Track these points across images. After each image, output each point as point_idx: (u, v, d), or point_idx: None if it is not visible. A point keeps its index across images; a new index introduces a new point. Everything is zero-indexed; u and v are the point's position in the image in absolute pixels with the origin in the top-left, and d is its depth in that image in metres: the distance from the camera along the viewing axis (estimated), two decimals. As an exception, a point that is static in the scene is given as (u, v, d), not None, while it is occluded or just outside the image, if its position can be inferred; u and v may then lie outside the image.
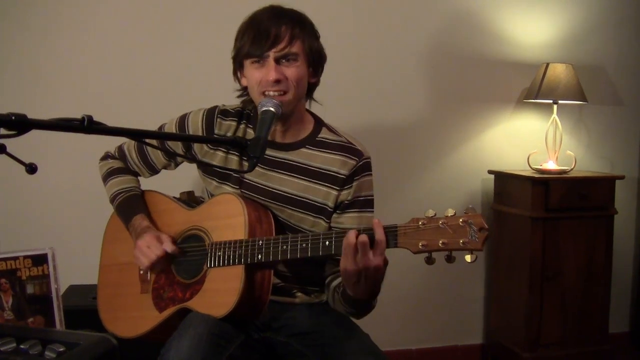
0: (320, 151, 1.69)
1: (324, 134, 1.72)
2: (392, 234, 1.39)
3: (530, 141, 3.08)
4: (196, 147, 1.76)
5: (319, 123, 1.75)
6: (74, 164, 2.57)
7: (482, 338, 3.20)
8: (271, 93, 1.59)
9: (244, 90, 1.74)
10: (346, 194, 1.67)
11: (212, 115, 1.73)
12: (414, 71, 2.97)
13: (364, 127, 2.83)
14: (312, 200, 1.67)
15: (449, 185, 3.04)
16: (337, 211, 1.68)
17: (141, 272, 1.75)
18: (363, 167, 1.69)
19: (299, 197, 1.68)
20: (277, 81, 1.58)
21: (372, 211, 1.72)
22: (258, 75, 1.60)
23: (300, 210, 1.68)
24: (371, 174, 1.72)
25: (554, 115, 2.95)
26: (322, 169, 1.67)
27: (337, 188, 1.67)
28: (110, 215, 1.87)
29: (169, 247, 1.64)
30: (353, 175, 1.67)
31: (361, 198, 1.69)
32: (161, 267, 1.67)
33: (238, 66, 1.68)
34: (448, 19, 2.98)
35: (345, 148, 1.69)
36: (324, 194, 1.67)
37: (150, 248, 1.64)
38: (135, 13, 2.62)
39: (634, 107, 3.32)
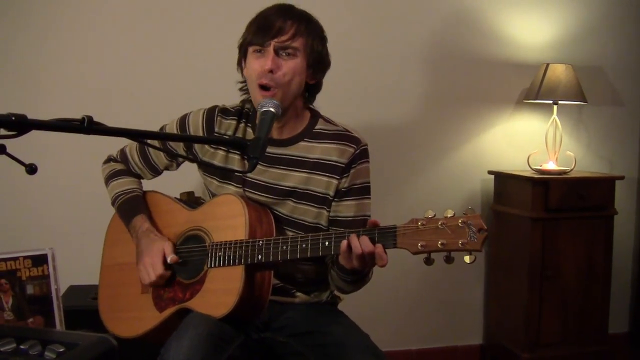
0: (318, 142, 1.70)
1: (321, 125, 1.73)
2: (392, 235, 1.40)
3: (530, 142, 3.08)
4: (197, 146, 1.77)
5: (315, 115, 1.76)
6: (74, 165, 2.57)
7: (481, 338, 3.20)
8: (264, 81, 1.59)
9: (245, 82, 1.75)
10: (344, 182, 1.68)
11: (212, 114, 1.75)
12: (413, 71, 2.97)
13: (363, 127, 2.79)
14: (315, 191, 1.68)
15: (448, 185, 3.04)
16: (335, 199, 1.69)
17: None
18: (361, 155, 1.70)
19: (302, 189, 1.68)
20: (271, 71, 1.59)
21: (369, 197, 1.73)
22: (257, 65, 1.62)
23: (303, 202, 1.69)
24: (368, 161, 1.73)
25: (554, 115, 2.95)
26: (322, 160, 1.68)
27: (337, 177, 1.68)
28: (112, 217, 1.88)
29: (169, 255, 1.65)
30: (351, 163, 1.68)
31: (357, 185, 1.70)
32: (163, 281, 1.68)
33: (243, 55, 1.70)
34: (448, 19, 2.98)
35: (343, 136, 1.71)
36: (326, 184, 1.68)
37: (153, 267, 1.65)
38: (136, 13, 2.62)
39: (633, 108, 3.32)
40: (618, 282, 3.19)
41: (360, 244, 1.42)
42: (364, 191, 1.71)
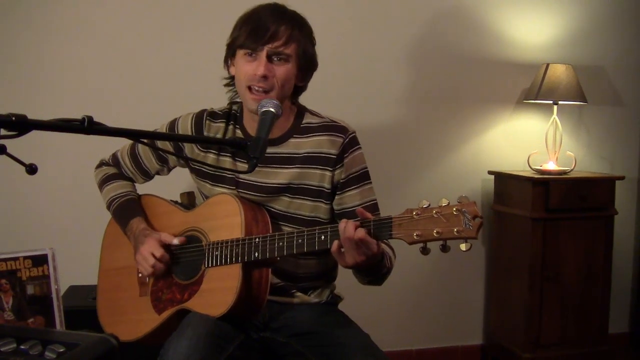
0: (307, 137, 1.70)
1: (308, 119, 1.73)
2: (387, 225, 1.39)
3: (530, 142, 3.08)
4: (187, 150, 1.77)
5: (301, 110, 1.75)
6: (74, 165, 2.57)
7: (482, 338, 3.20)
8: (255, 87, 1.59)
9: (231, 79, 1.74)
10: (339, 173, 1.68)
11: (200, 118, 1.75)
12: (413, 71, 2.97)
13: (363, 128, 2.81)
14: (309, 185, 1.68)
15: (449, 185, 3.04)
16: (337, 193, 1.69)
17: (140, 275, 1.75)
18: (351, 143, 1.70)
19: (296, 184, 1.68)
20: (264, 77, 1.59)
21: (370, 182, 1.73)
22: (247, 68, 1.61)
23: (298, 197, 1.69)
24: (360, 148, 1.73)
25: (554, 115, 2.95)
26: (312, 153, 1.68)
27: (330, 169, 1.68)
28: (109, 221, 1.88)
29: (172, 240, 1.65)
30: (342, 153, 1.68)
31: (354, 174, 1.70)
32: (163, 269, 1.67)
33: (231, 54, 1.69)
34: (448, 19, 2.98)
35: (330, 127, 1.70)
36: (319, 177, 1.68)
37: (152, 251, 1.64)
38: (136, 13, 2.62)
39: (633, 108, 3.32)
40: (618, 282, 3.19)
41: (345, 228, 1.40)
42: (363, 177, 1.71)
